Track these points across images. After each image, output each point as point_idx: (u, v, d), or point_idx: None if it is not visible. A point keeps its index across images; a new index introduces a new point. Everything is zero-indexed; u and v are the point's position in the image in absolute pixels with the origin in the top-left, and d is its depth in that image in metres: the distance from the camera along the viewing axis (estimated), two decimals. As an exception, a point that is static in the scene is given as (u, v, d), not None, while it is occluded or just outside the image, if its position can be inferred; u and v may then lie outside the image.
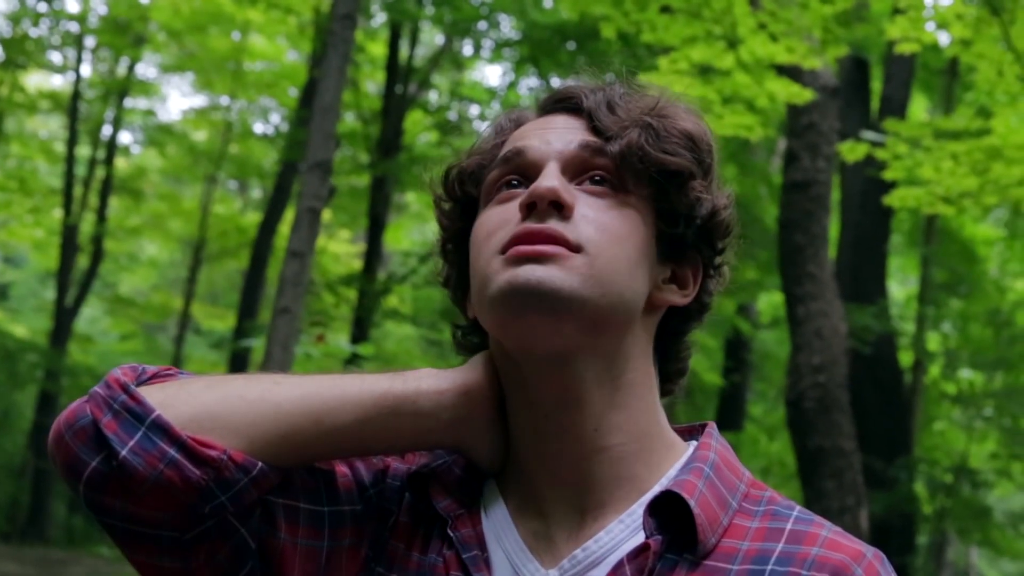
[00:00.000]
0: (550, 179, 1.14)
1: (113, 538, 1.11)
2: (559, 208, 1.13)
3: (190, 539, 1.09)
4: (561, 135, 1.19)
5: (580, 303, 1.09)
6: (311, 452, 1.14)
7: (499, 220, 1.16)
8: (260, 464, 1.09)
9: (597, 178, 1.17)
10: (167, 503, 1.06)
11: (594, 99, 1.21)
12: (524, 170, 1.18)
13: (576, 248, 1.11)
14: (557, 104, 1.24)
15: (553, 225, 1.11)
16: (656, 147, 1.16)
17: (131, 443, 1.06)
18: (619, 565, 1.08)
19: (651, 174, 1.16)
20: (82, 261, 19.05)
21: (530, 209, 1.13)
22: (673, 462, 1.17)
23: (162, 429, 1.07)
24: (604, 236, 1.13)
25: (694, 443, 1.20)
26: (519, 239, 1.12)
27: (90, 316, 23.55)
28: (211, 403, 1.10)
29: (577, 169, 1.17)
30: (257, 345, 6.52)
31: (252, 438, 1.09)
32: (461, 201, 1.26)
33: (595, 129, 1.19)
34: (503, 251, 1.12)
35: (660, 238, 1.18)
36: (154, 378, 1.14)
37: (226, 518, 1.09)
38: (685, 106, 1.22)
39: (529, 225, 1.12)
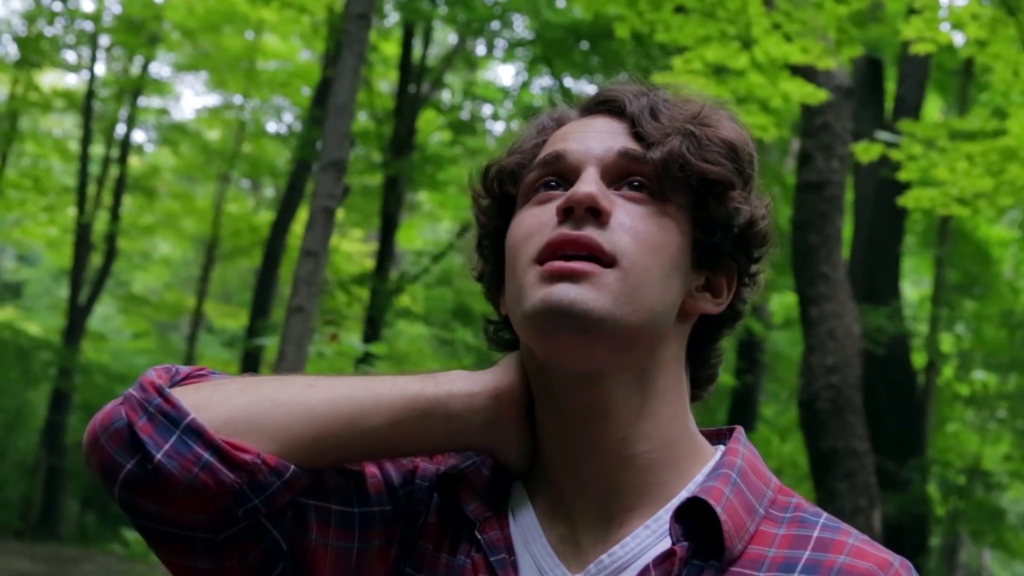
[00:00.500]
0: (588, 184, 1.13)
1: (146, 539, 1.12)
2: (596, 214, 1.12)
3: (223, 541, 1.10)
4: (602, 139, 1.19)
5: (612, 323, 1.09)
6: (343, 454, 1.15)
7: (536, 223, 1.16)
8: (292, 467, 1.10)
9: (636, 184, 1.16)
10: (201, 506, 1.07)
11: (637, 104, 1.20)
12: (563, 173, 1.18)
13: (610, 259, 1.11)
14: (600, 106, 1.23)
15: (589, 232, 1.11)
16: (697, 156, 1.16)
17: (166, 447, 1.07)
18: (645, 570, 1.08)
19: (691, 183, 1.16)
20: (96, 259, 19.10)
21: (567, 214, 1.13)
22: (700, 467, 1.17)
23: (197, 433, 1.08)
24: (639, 246, 1.12)
25: (721, 448, 1.20)
26: (555, 245, 1.11)
27: (103, 314, 23.61)
28: (244, 406, 1.11)
29: (616, 175, 1.17)
30: (270, 344, 6.53)
31: (285, 441, 1.10)
32: (499, 199, 1.26)
33: (636, 135, 1.18)
34: (539, 259, 1.12)
35: (696, 246, 1.18)
36: (187, 379, 1.15)
37: (259, 520, 1.10)
38: (728, 114, 1.22)
39: (565, 232, 1.12)
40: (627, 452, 1.14)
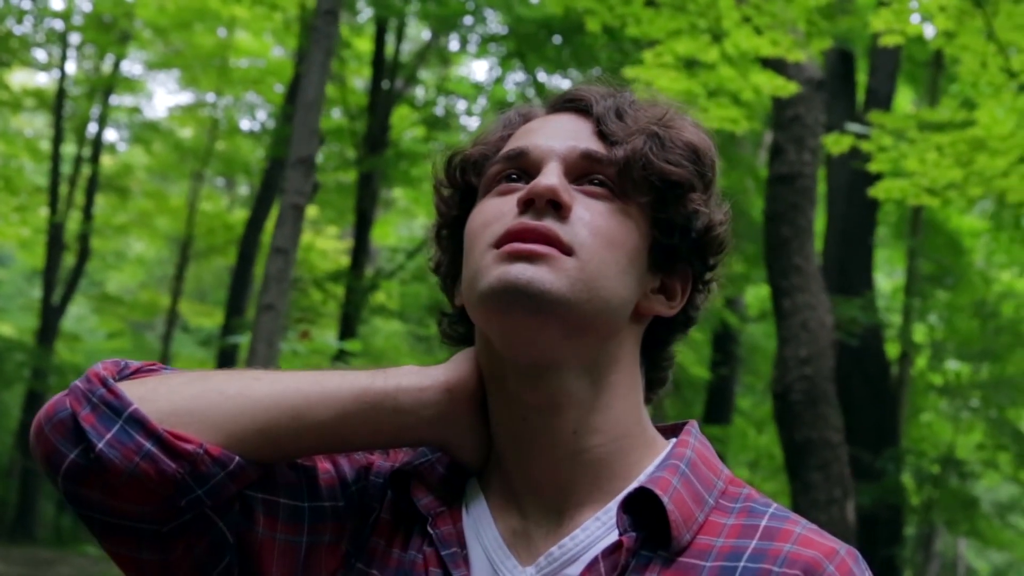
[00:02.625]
0: (550, 177, 1.14)
1: (92, 531, 1.12)
2: (556, 207, 1.13)
3: (168, 532, 1.10)
4: (566, 137, 1.20)
5: (566, 305, 1.10)
6: (290, 448, 1.15)
7: (496, 212, 1.17)
8: (237, 459, 1.10)
9: (597, 181, 1.17)
10: (144, 496, 1.07)
11: (604, 104, 1.21)
12: (526, 167, 1.19)
13: (568, 250, 1.11)
14: (567, 104, 1.25)
15: (549, 224, 1.12)
16: (660, 156, 1.17)
17: (108, 436, 1.07)
18: (594, 562, 1.08)
19: (652, 182, 1.17)
20: (68, 259, 18.99)
21: (527, 205, 1.14)
22: (652, 460, 1.17)
23: (139, 423, 1.08)
24: (597, 240, 1.13)
25: (673, 441, 1.20)
26: (514, 234, 1.12)
27: (77, 314, 23.48)
28: (189, 398, 1.11)
29: (579, 171, 1.18)
30: (244, 342, 6.51)
31: (230, 433, 1.10)
32: (461, 189, 1.26)
33: (601, 133, 1.19)
34: (497, 244, 1.13)
35: (653, 248, 1.19)
36: (136, 373, 1.16)
37: (204, 512, 1.10)
38: (692, 119, 1.23)
39: (525, 221, 1.12)
40: (578, 446, 1.14)
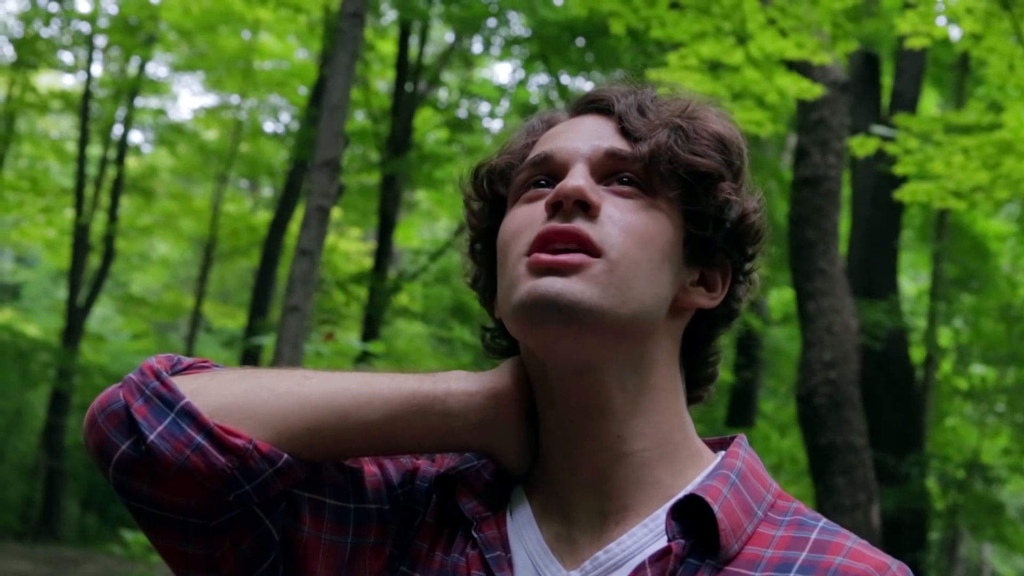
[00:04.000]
0: (576, 178, 1.14)
1: (139, 522, 1.13)
2: (585, 208, 1.13)
3: (215, 527, 1.11)
4: (590, 138, 1.19)
5: (599, 314, 1.09)
6: (338, 447, 1.15)
7: (526, 219, 1.16)
8: (286, 456, 1.11)
9: (625, 179, 1.17)
10: (192, 489, 1.08)
11: (625, 102, 1.21)
12: (553, 172, 1.19)
13: (598, 251, 1.11)
14: (588, 106, 1.25)
15: (578, 225, 1.12)
16: (685, 148, 1.16)
17: (160, 428, 1.08)
18: (640, 568, 1.08)
19: (680, 175, 1.16)
20: (94, 260, 19.10)
21: (556, 208, 1.13)
22: (699, 470, 1.17)
23: (190, 416, 1.09)
24: (628, 238, 1.13)
25: (722, 453, 1.20)
26: (544, 238, 1.12)
27: (102, 315, 23.61)
28: (240, 394, 1.12)
29: (605, 170, 1.17)
30: (268, 343, 6.53)
31: (279, 430, 1.11)
32: (490, 200, 1.27)
33: (625, 131, 1.19)
34: (529, 252, 1.13)
35: (688, 241, 1.18)
36: (189, 368, 1.17)
37: (251, 508, 1.11)
38: (716, 110, 1.22)
39: (554, 224, 1.12)
40: (622, 449, 1.14)
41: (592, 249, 1.11)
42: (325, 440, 1.13)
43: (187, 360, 1.18)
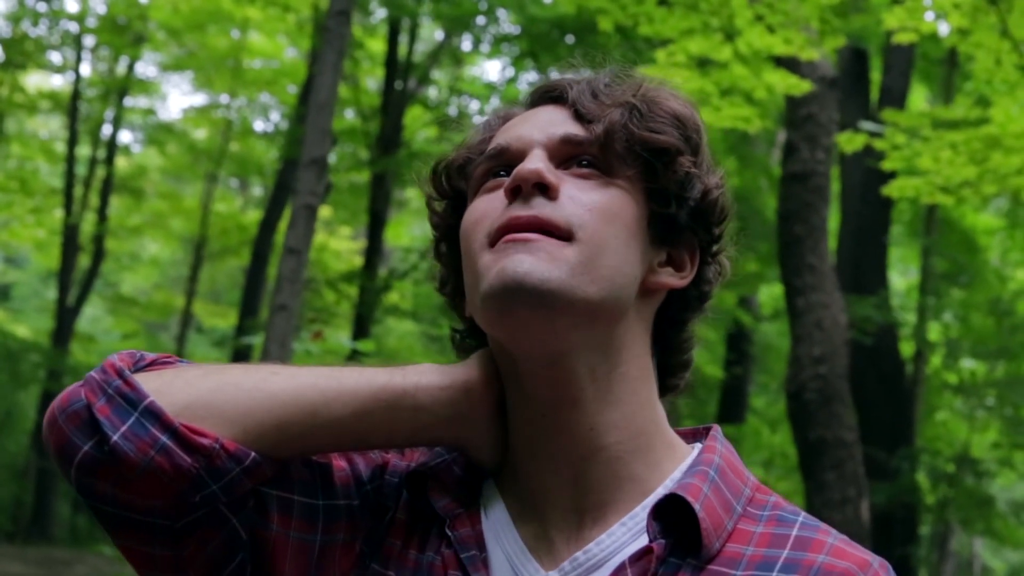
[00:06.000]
0: (534, 161, 1.13)
1: (103, 525, 1.10)
2: (544, 190, 1.12)
3: (181, 528, 1.08)
4: (545, 126, 1.18)
5: (569, 296, 1.08)
6: (307, 444, 1.13)
7: (486, 208, 1.16)
8: (253, 454, 1.08)
9: (584, 162, 1.16)
10: (158, 490, 1.05)
11: (578, 88, 1.20)
12: (510, 162, 1.18)
13: (566, 232, 1.10)
14: (543, 96, 1.24)
15: (539, 210, 1.10)
16: (640, 126, 1.15)
17: (123, 428, 1.05)
18: (621, 568, 1.07)
19: (637, 152, 1.15)
20: (83, 261, 19.07)
21: (515, 193, 1.12)
22: (675, 463, 1.16)
23: (155, 415, 1.06)
24: (593, 215, 1.11)
25: (699, 446, 1.19)
26: (505, 228, 1.11)
27: (92, 316, 23.57)
28: (206, 391, 1.09)
29: (563, 156, 1.16)
30: (257, 342, 6.53)
31: (246, 427, 1.08)
32: (451, 197, 1.26)
33: (579, 115, 1.18)
34: (492, 243, 1.12)
35: (653, 220, 1.17)
36: (152, 365, 1.14)
37: (218, 508, 1.08)
38: (670, 89, 1.21)
39: (515, 212, 1.11)
40: (596, 443, 1.13)
41: (558, 231, 1.10)
42: (293, 437, 1.11)
43: (150, 356, 1.15)
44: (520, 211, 1.11)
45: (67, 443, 1.07)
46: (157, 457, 1.05)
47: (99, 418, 1.06)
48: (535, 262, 1.08)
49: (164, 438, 1.05)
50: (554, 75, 1.28)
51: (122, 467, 1.05)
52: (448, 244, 1.26)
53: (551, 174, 1.13)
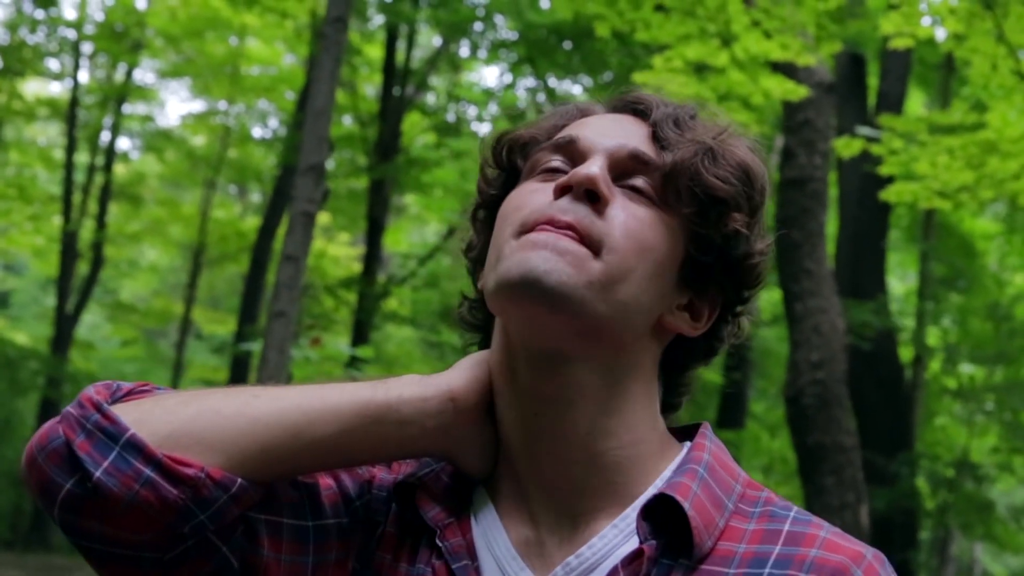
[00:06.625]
0: (593, 167, 1.12)
1: (91, 562, 1.08)
2: (593, 199, 1.11)
3: (170, 560, 1.06)
4: (619, 134, 1.17)
5: (579, 304, 1.07)
6: (293, 466, 1.12)
7: (531, 197, 1.14)
8: (240, 480, 1.07)
9: (641, 184, 1.14)
10: (145, 524, 1.04)
11: (663, 111, 1.19)
12: (572, 156, 1.17)
13: (596, 246, 1.09)
14: (626, 105, 1.23)
15: (581, 217, 1.09)
16: (709, 170, 1.14)
17: (105, 464, 1.03)
18: (613, 572, 1.06)
19: (696, 194, 1.14)
20: (82, 268, 19.06)
21: (563, 192, 1.11)
22: (667, 462, 1.14)
23: (137, 448, 1.04)
24: (627, 242, 1.10)
25: (687, 444, 1.18)
26: (542, 222, 1.10)
27: (91, 323, 23.56)
28: (187, 419, 1.07)
29: (624, 170, 1.15)
30: (256, 349, 6.52)
31: (230, 454, 1.07)
32: (506, 170, 1.24)
33: (655, 138, 1.17)
34: (523, 231, 1.11)
35: (686, 263, 1.15)
36: (129, 395, 1.11)
37: (207, 537, 1.07)
38: (749, 141, 1.20)
39: (557, 212, 1.10)
40: (592, 448, 1.11)
41: (591, 243, 1.09)
42: (279, 459, 1.09)
43: (127, 386, 1.12)
44: (561, 213, 1.10)
45: (48, 482, 1.05)
46: (142, 491, 1.03)
47: (80, 455, 1.04)
48: (559, 263, 1.07)
49: (148, 471, 1.04)
50: (640, 91, 1.26)
51: (107, 503, 1.03)
52: (486, 213, 1.24)
53: (605, 185, 1.11)
